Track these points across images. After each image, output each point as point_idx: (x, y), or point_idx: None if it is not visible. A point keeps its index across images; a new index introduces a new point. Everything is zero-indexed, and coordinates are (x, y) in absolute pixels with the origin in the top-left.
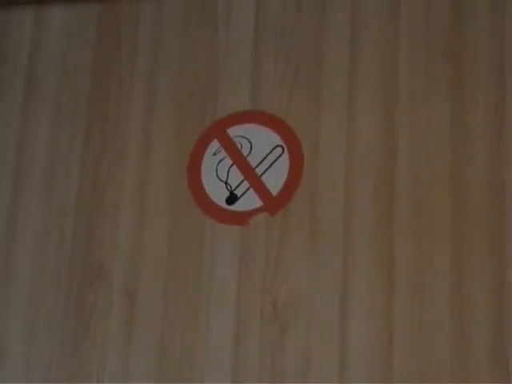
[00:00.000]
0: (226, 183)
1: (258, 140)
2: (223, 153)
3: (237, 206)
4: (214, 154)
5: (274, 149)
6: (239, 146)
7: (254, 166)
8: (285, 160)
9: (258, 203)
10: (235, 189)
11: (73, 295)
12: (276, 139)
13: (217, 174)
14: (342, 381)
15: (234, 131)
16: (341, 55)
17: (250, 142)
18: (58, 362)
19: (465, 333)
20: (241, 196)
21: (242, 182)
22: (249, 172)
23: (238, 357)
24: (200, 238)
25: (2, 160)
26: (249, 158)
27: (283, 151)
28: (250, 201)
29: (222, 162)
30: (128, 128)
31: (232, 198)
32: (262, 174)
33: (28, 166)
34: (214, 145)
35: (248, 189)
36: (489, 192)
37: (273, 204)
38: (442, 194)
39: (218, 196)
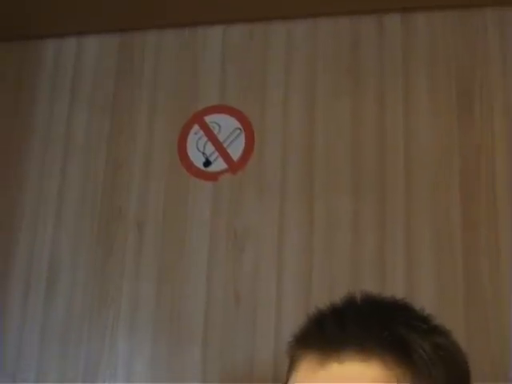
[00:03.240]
0: (203, 153)
1: (225, 124)
2: (201, 133)
3: (210, 168)
4: (195, 134)
5: (234, 130)
6: (212, 128)
7: (221, 141)
8: (242, 137)
9: (224, 166)
10: (209, 156)
11: (102, 228)
12: (236, 124)
13: (197, 147)
14: (280, 281)
15: (208, 118)
16: (279, 68)
17: (219, 125)
18: (94, 272)
19: (358, 255)
20: (213, 161)
21: (214, 152)
22: (218, 145)
23: (211, 267)
24: (186, 190)
25: (55, 144)
26: (218, 136)
27: (241, 132)
28: (219, 165)
29: (200, 139)
30: (138, 118)
31: (207, 163)
32: (227, 146)
33: (72, 147)
34: (195, 127)
35: (218, 156)
36: (376, 159)
37: (234, 167)
38: (344, 161)
39: (198, 162)
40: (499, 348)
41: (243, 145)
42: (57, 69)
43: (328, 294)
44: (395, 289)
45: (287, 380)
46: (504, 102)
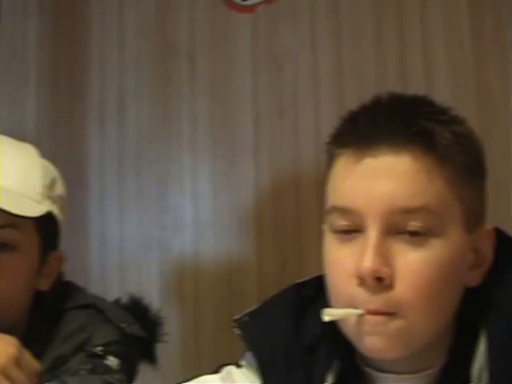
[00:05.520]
0: None
1: None
2: None
3: (248, 2)
4: None
5: None
6: None
7: None
8: None
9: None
10: None
11: (159, 63)
12: None
13: None
14: (317, 94)
15: None
16: None
17: None
18: (156, 100)
19: (382, 66)
20: None
21: None
22: None
23: (256, 87)
24: (227, 23)
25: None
26: None
27: None
28: None
29: None
30: None
31: None
32: None
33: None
34: None
35: None
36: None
37: None
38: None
39: None
40: (505, 131)
41: None
42: None
43: (359, 101)
44: (416, 90)
45: (327, 177)
46: None
